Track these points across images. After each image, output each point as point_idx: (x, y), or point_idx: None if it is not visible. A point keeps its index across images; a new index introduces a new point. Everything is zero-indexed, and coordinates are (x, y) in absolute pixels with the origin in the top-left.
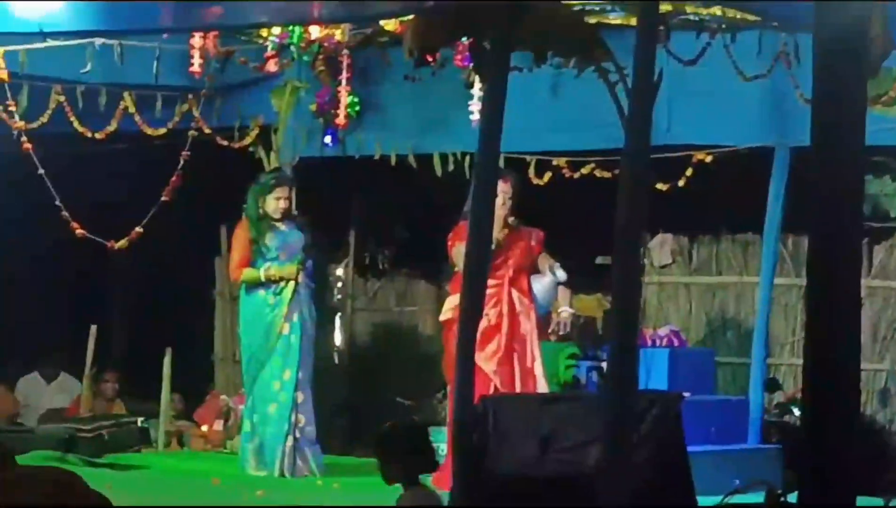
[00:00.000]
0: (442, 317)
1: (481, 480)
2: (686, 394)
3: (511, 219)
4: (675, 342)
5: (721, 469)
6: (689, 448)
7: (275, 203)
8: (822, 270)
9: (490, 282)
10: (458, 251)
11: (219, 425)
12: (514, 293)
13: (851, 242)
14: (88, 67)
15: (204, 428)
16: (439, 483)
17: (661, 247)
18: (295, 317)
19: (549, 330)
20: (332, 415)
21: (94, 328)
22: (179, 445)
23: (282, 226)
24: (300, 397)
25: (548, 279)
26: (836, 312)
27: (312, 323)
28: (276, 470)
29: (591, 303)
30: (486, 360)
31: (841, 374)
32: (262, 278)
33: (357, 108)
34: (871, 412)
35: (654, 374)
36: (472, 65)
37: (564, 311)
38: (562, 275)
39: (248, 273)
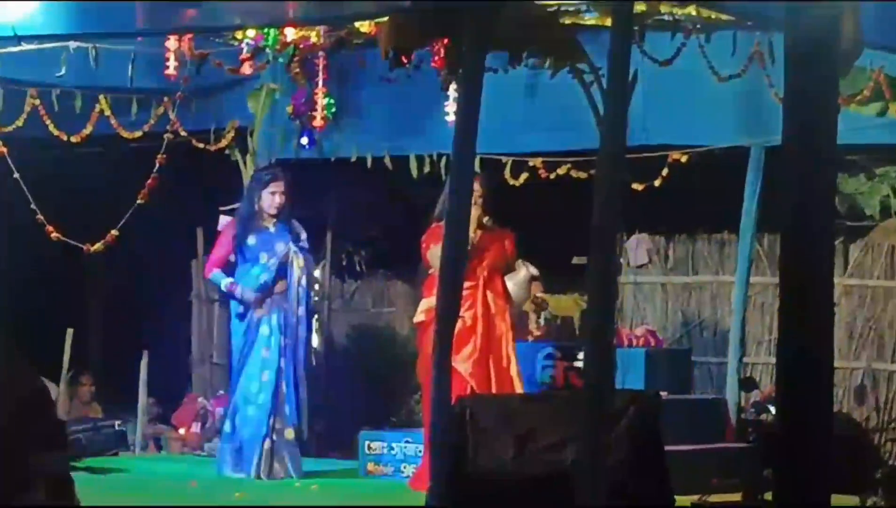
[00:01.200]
0: (416, 319)
1: (459, 480)
2: (663, 393)
3: (485, 219)
4: (652, 342)
5: (698, 467)
6: (667, 448)
7: (270, 198)
8: (796, 268)
9: (465, 284)
10: (432, 254)
11: (196, 427)
12: (489, 295)
13: (824, 240)
14: (63, 71)
15: (181, 431)
16: (417, 484)
17: (637, 247)
18: (274, 319)
19: (524, 308)
20: (310, 417)
21: (70, 331)
22: (157, 448)
23: (271, 227)
24: (280, 398)
25: (522, 274)
26: (809, 310)
27: (303, 325)
28: (252, 472)
29: (568, 303)
30: (462, 361)
31: (815, 372)
32: (223, 289)
33: (333, 109)
34: (846, 410)
35: (630, 374)
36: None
37: (540, 295)
38: (534, 270)
39: (214, 276)
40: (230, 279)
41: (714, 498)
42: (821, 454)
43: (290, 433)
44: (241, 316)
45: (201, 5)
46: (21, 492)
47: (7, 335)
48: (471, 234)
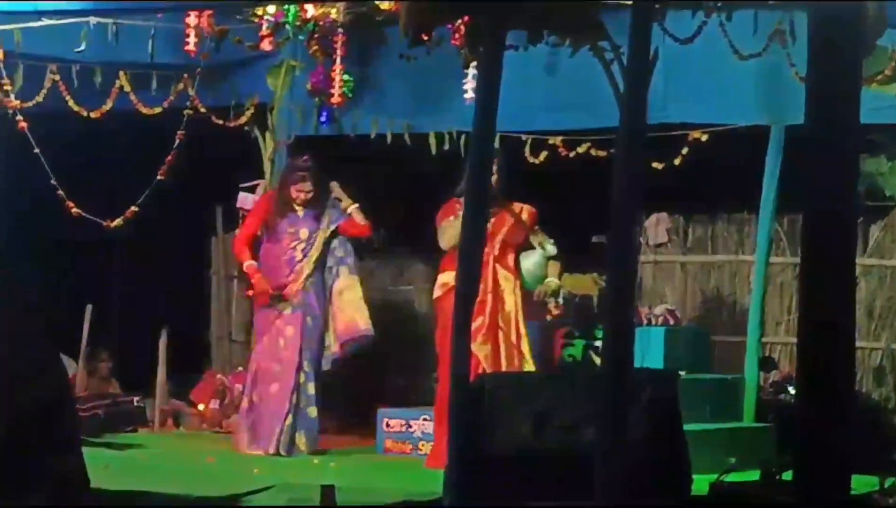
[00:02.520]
0: (434, 295)
1: (477, 458)
2: (682, 373)
3: (498, 195)
4: (671, 321)
5: (716, 447)
6: (686, 427)
7: (296, 193)
8: (817, 248)
9: None
10: (443, 227)
11: (215, 404)
12: (500, 270)
13: (846, 220)
14: (83, 47)
15: (200, 407)
16: (434, 461)
17: (656, 226)
18: (299, 298)
19: (535, 297)
20: (328, 395)
21: (89, 307)
22: (175, 425)
23: (300, 212)
24: (302, 377)
25: (538, 254)
26: (830, 290)
27: (321, 306)
28: (272, 449)
29: (587, 282)
30: (472, 337)
31: (836, 353)
32: (244, 270)
33: (351, 86)
34: (866, 390)
35: (649, 352)
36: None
37: (551, 281)
38: (551, 250)
39: (240, 255)
40: (252, 263)
41: (733, 478)
42: (841, 434)
43: (312, 411)
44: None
45: None
46: (28, 490)
47: (36, 321)
48: None
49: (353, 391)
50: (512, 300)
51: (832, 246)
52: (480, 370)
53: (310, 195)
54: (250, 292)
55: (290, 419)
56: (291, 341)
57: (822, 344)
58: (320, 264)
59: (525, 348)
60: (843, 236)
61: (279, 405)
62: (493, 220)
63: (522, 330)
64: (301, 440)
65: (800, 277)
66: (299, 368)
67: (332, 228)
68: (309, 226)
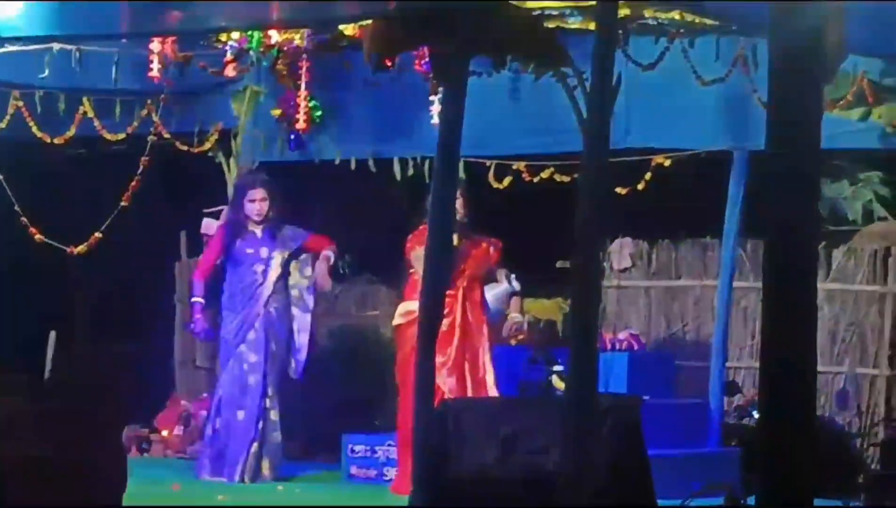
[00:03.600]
0: (394, 322)
1: (441, 484)
2: (646, 398)
3: (464, 226)
4: (635, 346)
5: (681, 472)
6: (649, 452)
7: (251, 205)
8: (779, 273)
9: None
10: (416, 255)
11: (179, 430)
12: (468, 305)
13: (807, 245)
14: (46, 73)
15: (164, 434)
16: (399, 487)
17: (620, 251)
18: (261, 323)
19: (504, 334)
20: (293, 421)
21: (53, 333)
22: (139, 451)
23: (258, 232)
24: (267, 403)
25: (503, 288)
26: (792, 315)
27: (285, 329)
28: (236, 477)
29: (552, 307)
30: (437, 370)
31: (797, 377)
32: (191, 300)
33: (318, 112)
34: (829, 414)
35: (613, 378)
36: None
37: (515, 317)
38: (517, 285)
39: (192, 287)
40: (199, 300)
41: (697, 503)
42: (804, 458)
43: (276, 437)
44: (231, 315)
45: (185, 7)
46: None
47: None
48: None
49: (318, 417)
50: (479, 335)
51: (794, 271)
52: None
53: (264, 204)
54: (192, 328)
55: (255, 447)
56: (255, 367)
57: (784, 368)
58: (282, 286)
59: (490, 381)
60: (805, 260)
61: (245, 433)
62: (462, 253)
63: (488, 365)
64: (266, 467)
65: (762, 301)
66: (263, 394)
67: (293, 248)
68: (267, 245)
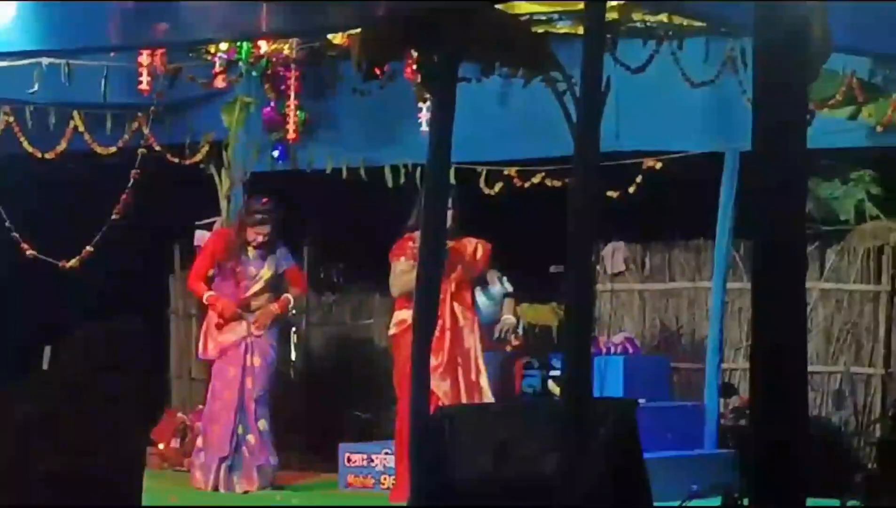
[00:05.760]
0: (389, 332)
1: (439, 492)
2: (642, 401)
3: (454, 231)
4: (630, 350)
5: (678, 474)
6: (646, 455)
7: (254, 235)
8: (768, 274)
9: None
10: (395, 272)
11: (175, 443)
12: (457, 307)
13: (797, 245)
14: (36, 88)
15: (161, 447)
16: (397, 496)
17: (613, 255)
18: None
19: (494, 337)
20: (289, 430)
21: (47, 349)
22: None
23: (252, 253)
24: (248, 417)
25: (496, 290)
26: (782, 315)
27: (271, 343)
28: (213, 485)
29: (546, 312)
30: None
31: (789, 376)
32: (204, 301)
33: (305, 122)
34: (825, 413)
35: (609, 382)
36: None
37: (508, 319)
38: (509, 287)
39: (198, 291)
40: (212, 293)
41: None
42: (796, 458)
43: (263, 449)
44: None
45: (174, 20)
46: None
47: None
48: None
49: (315, 427)
50: (470, 337)
51: (782, 271)
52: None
53: (266, 239)
54: (221, 319)
55: (226, 462)
56: (231, 382)
57: (775, 368)
58: (264, 302)
59: (484, 383)
60: (794, 260)
61: (218, 447)
62: (449, 257)
63: (481, 366)
64: (239, 480)
65: (752, 302)
66: (239, 409)
67: (280, 271)
68: (256, 265)
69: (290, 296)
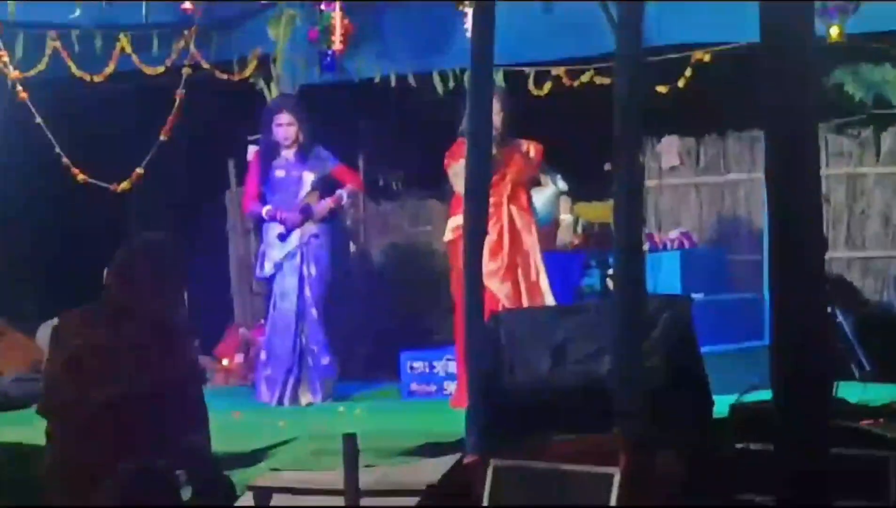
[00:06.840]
0: (445, 238)
1: (496, 396)
2: (699, 295)
3: (504, 133)
4: (687, 244)
5: (738, 366)
6: (705, 349)
7: (278, 130)
8: (781, 166)
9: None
10: (453, 171)
11: (239, 358)
12: (514, 209)
13: (808, 132)
14: (77, 12)
15: (225, 362)
16: (458, 401)
17: (668, 149)
18: (296, 245)
19: (557, 243)
20: (351, 340)
21: (107, 271)
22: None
23: (291, 156)
24: (309, 327)
25: (550, 190)
26: (797, 205)
27: (327, 253)
28: (274, 400)
29: (604, 209)
30: (490, 277)
31: (806, 263)
32: (265, 217)
33: (351, 32)
34: (886, 298)
35: (667, 277)
36: None
37: (566, 217)
38: (563, 185)
39: (252, 210)
40: (269, 207)
41: (753, 397)
42: (817, 342)
43: (325, 359)
44: (282, 238)
45: None
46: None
47: None
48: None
49: (376, 335)
50: (528, 238)
51: (796, 162)
52: (500, 309)
53: (291, 128)
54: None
55: (295, 371)
56: (289, 292)
57: (792, 260)
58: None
59: (544, 284)
60: (806, 147)
61: (284, 359)
62: (503, 159)
63: (540, 267)
64: (306, 392)
65: (766, 193)
66: (299, 319)
67: (327, 171)
68: (298, 167)
69: (342, 191)
